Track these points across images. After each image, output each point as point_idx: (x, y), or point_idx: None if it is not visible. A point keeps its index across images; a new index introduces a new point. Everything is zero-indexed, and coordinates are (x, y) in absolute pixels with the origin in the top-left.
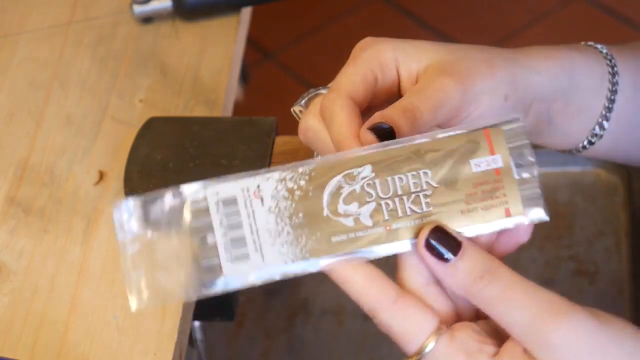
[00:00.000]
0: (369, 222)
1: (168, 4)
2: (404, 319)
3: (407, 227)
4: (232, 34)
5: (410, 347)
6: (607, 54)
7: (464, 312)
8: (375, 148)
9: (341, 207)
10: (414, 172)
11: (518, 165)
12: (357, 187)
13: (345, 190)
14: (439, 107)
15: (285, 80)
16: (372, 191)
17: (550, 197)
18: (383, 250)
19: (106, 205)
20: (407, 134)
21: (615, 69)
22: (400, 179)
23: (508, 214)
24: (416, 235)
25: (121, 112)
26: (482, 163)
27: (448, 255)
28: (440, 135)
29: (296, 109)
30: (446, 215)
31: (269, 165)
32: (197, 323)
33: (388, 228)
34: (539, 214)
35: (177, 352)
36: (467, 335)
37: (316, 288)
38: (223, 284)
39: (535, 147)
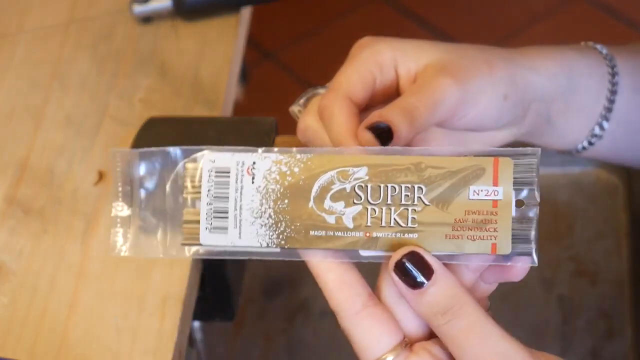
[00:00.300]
0: (350, 224)
1: (168, 4)
2: (362, 331)
3: (387, 239)
4: (232, 34)
5: (364, 359)
6: (606, 54)
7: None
8: (377, 152)
9: (327, 203)
10: (408, 185)
11: (519, 203)
12: (348, 187)
13: (336, 187)
14: (437, 106)
15: (285, 80)
16: (361, 194)
17: (550, 198)
18: (359, 255)
19: (106, 205)
20: (405, 133)
21: (614, 69)
22: (393, 188)
23: (494, 251)
24: (393, 249)
25: (121, 112)
26: (481, 191)
27: (418, 281)
28: (448, 153)
29: (295, 108)
30: (429, 235)
31: None
32: (196, 323)
33: (368, 235)
34: (526, 259)
35: (176, 352)
36: (431, 354)
37: (316, 289)
38: (195, 251)
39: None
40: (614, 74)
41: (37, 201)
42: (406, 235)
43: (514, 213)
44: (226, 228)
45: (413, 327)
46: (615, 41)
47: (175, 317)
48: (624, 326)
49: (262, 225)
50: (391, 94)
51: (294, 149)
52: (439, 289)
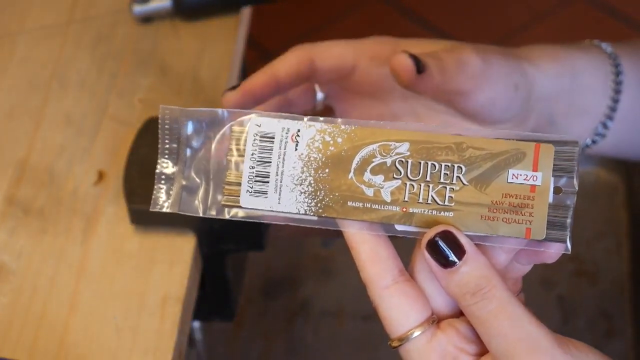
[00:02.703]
0: (387, 198)
1: (168, 4)
2: (391, 306)
3: (423, 215)
4: (232, 34)
5: (391, 333)
6: (611, 53)
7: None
8: (418, 129)
9: (367, 175)
10: (448, 164)
11: (557, 190)
12: (389, 161)
13: (377, 160)
14: (462, 66)
15: None
16: (401, 169)
17: None
18: (394, 229)
19: (106, 205)
20: (436, 75)
21: (619, 68)
22: (433, 165)
23: (528, 235)
24: (428, 226)
25: (121, 111)
26: (520, 175)
27: (450, 260)
28: (490, 136)
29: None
30: (465, 215)
31: None
32: (196, 323)
33: (404, 209)
34: (560, 244)
35: (176, 352)
36: (448, 339)
37: (316, 289)
38: (235, 213)
39: None
40: (618, 73)
41: (37, 201)
42: (442, 213)
43: (551, 199)
44: (266, 192)
45: (442, 304)
46: (615, 41)
47: (175, 317)
48: (624, 326)
49: (301, 193)
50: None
51: (339, 119)
52: (470, 269)
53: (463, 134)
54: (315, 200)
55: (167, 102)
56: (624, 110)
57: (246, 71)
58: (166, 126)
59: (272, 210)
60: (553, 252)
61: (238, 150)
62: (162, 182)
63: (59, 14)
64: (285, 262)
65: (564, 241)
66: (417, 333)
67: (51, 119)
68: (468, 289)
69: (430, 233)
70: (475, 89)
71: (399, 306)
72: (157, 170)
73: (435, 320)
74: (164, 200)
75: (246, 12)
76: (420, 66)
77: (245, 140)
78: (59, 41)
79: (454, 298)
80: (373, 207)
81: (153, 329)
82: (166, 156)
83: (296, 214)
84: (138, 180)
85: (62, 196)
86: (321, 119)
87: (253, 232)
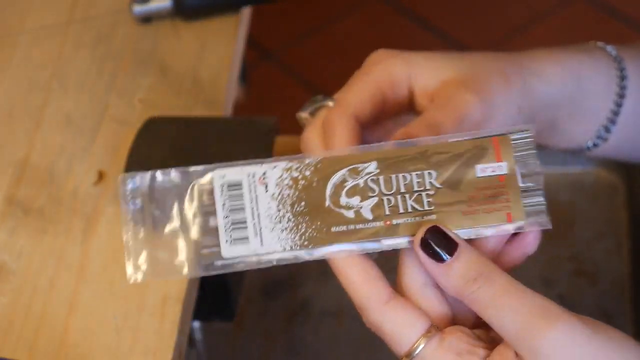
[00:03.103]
0: (369, 216)
1: (168, 4)
2: (395, 320)
3: (407, 224)
4: (232, 34)
5: (400, 348)
6: (616, 56)
7: (462, 317)
8: (384, 147)
9: (343, 199)
10: (419, 172)
11: (523, 175)
12: (361, 182)
13: (349, 183)
14: (462, 122)
15: (285, 80)
16: (375, 186)
17: (550, 198)
18: (382, 244)
19: (106, 205)
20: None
21: (623, 72)
22: (405, 177)
23: (510, 219)
24: (415, 233)
25: (121, 112)
26: (487, 169)
27: (443, 255)
28: (449, 140)
29: (302, 115)
30: (447, 215)
31: None
32: (196, 323)
33: (388, 223)
34: (541, 221)
35: (176, 352)
36: (457, 338)
37: (316, 289)
38: (220, 266)
39: (537, 146)
40: (622, 77)
41: (37, 201)
42: (425, 217)
43: (520, 183)
44: (247, 237)
45: (440, 312)
46: (615, 41)
47: (175, 317)
48: (624, 326)
49: (282, 230)
50: (402, 109)
51: (302, 155)
52: (467, 257)
53: (423, 144)
54: (298, 234)
55: (167, 102)
56: (627, 114)
57: (246, 71)
58: (127, 193)
59: (256, 254)
60: (535, 230)
61: (206, 205)
62: (131, 249)
63: (59, 14)
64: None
65: (543, 213)
66: (426, 340)
67: (51, 119)
68: (469, 276)
69: (419, 234)
70: (480, 128)
71: (403, 317)
72: (124, 239)
73: (437, 327)
74: (137, 270)
75: (246, 12)
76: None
77: (211, 194)
78: (59, 41)
79: (456, 292)
80: (357, 227)
81: (153, 329)
82: (131, 221)
83: (282, 251)
84: None
85: (62, 196)
86: (283, 158)
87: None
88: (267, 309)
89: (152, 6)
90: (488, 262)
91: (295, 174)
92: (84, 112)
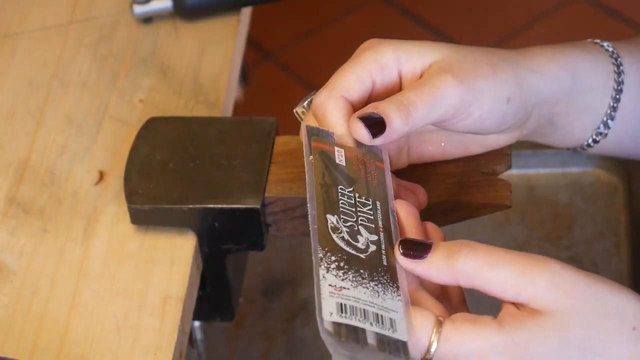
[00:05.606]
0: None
1: (168, 4)
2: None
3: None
4: (232, 34)
5: (420, 346)
6: (613, 52)
7: (451, 313)
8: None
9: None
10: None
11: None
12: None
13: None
14: (435, 104)
15: (285, 80)
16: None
17: (550, 198)
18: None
19: (106, 205)
20: (400, 127)
21: (621, 67)
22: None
23: None
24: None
25: (121, 112)
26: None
27: (424, 247)
28: None
29: (298, 109)
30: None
31: (269, 165)
32: (197, 323)
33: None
34: None
35: (177, 352)
36: (464, 315)
37: None
38: None
39: (537, 146)
40: (620, 72)
41: (37, 201)
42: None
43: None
44: None
45: (435, 308)
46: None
47: (176, 317)
48: None
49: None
50: (393, 94)
51: None
52: (442, 244)
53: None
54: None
55: (167, 102)
56: (626, 109)
57: (246, 71)
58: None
59: None
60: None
61: None
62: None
63: (60, 14)
64: (285, 262)
65: None
66: (441, 327)
67: (52, 119)
68: (453, 253)
69: (396, 248)
70: (460, 114)
71: (418, 316)
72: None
73: (442, 316)
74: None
75: (246, 12)
76: (375, 127)
77: None
78: (60, 41)
79: (446, 276)
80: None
81: (154, 329)
82: None
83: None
84: (139, 180)
85: (62, 196)
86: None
87: (253, 231)
88: (267, 309)
89: (152, 6)
90: (461, 240)
91: None
92: (85, 112)
